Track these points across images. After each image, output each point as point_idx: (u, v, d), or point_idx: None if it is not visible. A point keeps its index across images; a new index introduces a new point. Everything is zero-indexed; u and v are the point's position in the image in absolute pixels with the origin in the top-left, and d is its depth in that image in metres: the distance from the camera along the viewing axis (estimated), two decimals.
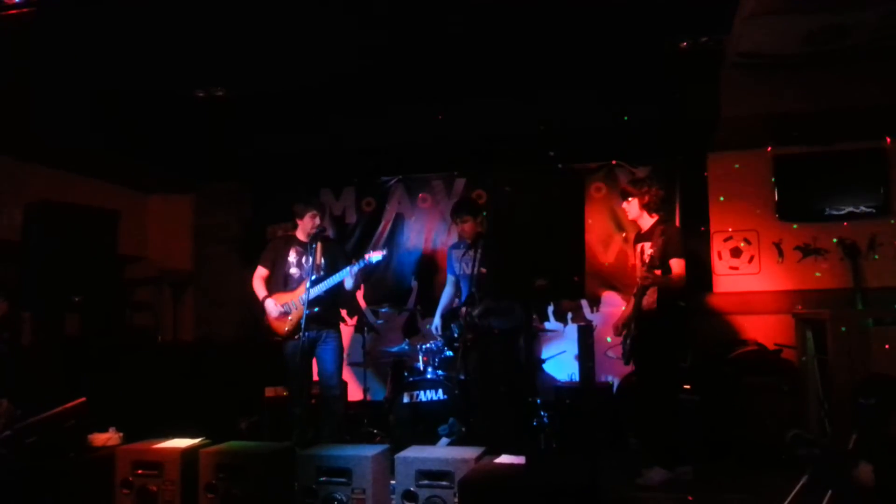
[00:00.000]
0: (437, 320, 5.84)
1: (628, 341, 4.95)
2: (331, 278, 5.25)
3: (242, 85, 5.44)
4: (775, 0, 3.97)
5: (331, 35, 4.60)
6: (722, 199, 6.72)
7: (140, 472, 4.13)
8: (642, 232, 5.07)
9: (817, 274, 6.44)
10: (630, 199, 5.02)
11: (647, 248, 4.85)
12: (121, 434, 4.58)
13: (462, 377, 5.61)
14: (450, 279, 5.91)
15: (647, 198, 4.98)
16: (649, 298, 4.84)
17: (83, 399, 4.44)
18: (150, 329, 7.66)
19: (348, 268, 5.23)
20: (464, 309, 5.48)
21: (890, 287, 6.09)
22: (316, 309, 5.18)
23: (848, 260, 6.29)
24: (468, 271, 5.56)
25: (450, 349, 5.85)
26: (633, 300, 5.01)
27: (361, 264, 5.24)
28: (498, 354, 5.44)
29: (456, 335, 5.66)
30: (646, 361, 4.91)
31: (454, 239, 7.35)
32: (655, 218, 5.03)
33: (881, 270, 6.26)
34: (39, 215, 6.28)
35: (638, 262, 5.04)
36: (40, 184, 6.53)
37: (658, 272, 4.72)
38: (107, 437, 4.52)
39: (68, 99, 5.62)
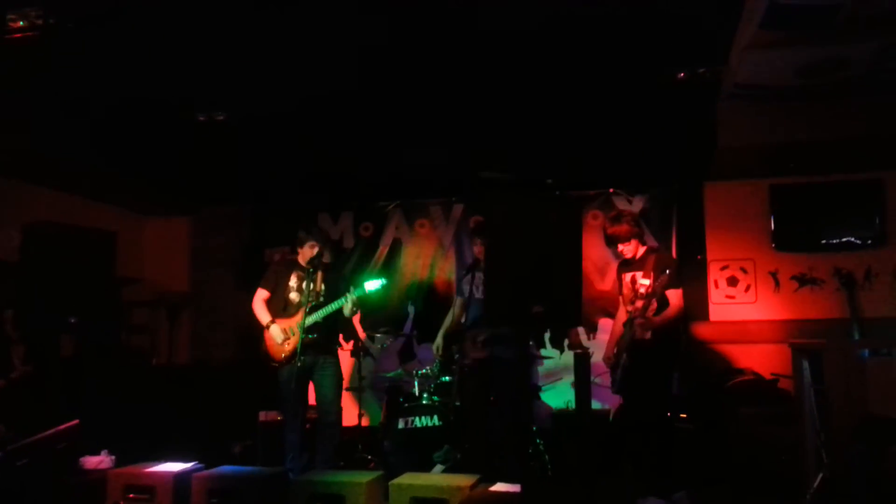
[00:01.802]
0: (438, 339, 5.81)
1: (619, 371, 4.94)
2: (329, 306, 5.25)
3: (243, 109, 5.47)
4: (771, 33, 4.01)
5: (333, 60, 4.64)
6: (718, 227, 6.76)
7: (132, 495, 4.10)
8: (631, 260, 5.06)
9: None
10: (629, 242, 4.98)
11: (640, 278, 4.84)
12: (113, 457, 4.55)
13: (458, 403, 5.58)
14: (457, 300, 5.88)
15: (637, 229, 5.00)
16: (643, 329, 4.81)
17: (76, 421, 4.42)
18: (145, 351, 7.64)
19: (346, 296, 5.23)
20: (468, 333, 5.43)
21: (886, 317, 6.10)
22: (314, 335, 5.17)
23: (844, 290, 6.29)
24: (467, 294, 5.55)
25: (445, 373, 5.81)
26: (619, 328, 5.01)
27: (359, 293, 5.25)
28: (500, 383, 5.37)
29: (455, 358, 5.62)
30: (641, 391, 4.89)
31: (452, 264, 7.37)
32: (646, 247, 5.05)
33: (877, 301, 6.28)
34: (38, 236, 6.28)
35: (627, 292, 5.03)
36: (39, 205, 6.56)
37: (653, 308, 4.72)
38: (99, 460, 4.49)
39: (68, 120, 5.65)
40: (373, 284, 5.33)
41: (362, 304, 5.41)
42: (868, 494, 3.46)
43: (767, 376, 6.00)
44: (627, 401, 5.16)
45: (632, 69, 4.80)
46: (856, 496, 3.48)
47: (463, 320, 5.58)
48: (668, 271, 4.68)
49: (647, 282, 4.77)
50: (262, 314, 5.39)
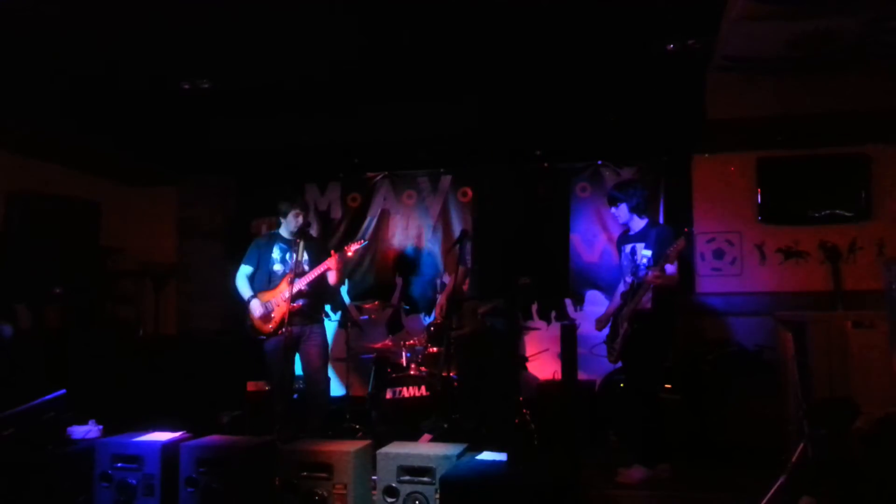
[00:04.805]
0: (442, 300, 5.88)
1: (618, 340, 4.97)
2: (313, 271, 5.24)
3: (229, 78, 5.41)
4: (762, 4, 3.99)
5: (318, 30, 4.59)
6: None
7: (120, 465, 4.11)
8: (631, 233, 5.08)
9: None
10: (619, 204, 5.03)
11: (642, 250, 4.87)
12: (100, 427, 4.55)
13: (446, 374, 5.62)
14: (459, 268, 5.94)
15: (635, 200, 5.00)
16: (644, 298, 4.84)
17: (63, 391, 4.40)
18: (131, 322, 7.62)
19: (330, 259, 5.23)
20: (467, 304, 5.49)
21: (869, 290, 6.15)
22: (300, 302, 5.18)
23: (829, 263, 6.35)
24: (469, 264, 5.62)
25: (436, 343, 5.82)
26: (618, 300, 5.04)
27: (341, 256, 5.27)
28: (497, 354, 5.45)
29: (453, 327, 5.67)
30: (637, 360, 4.92)
31: (439, 235, 7.38)
32: (646, 220, 5.06)
33: (860, 274, 6.32)
34: (21, 206, 6.22)
35: (627, 263, 5.04)
36: (23, 175, 6.48)
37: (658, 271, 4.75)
38: (86, 430, 4.48)
39: (53, 89, 5.57)
40: (354, 245, 5.36)
41: (349, 273, 5.42)
42: (831, 479, 3.51)
43: (752, 348, 6.07)
44: (627, 369, 5.18)
45: (621, 40, 4.78)
46: (817, 482, 3.53)
47: (464, 287, 5.62)
48: (661, 240, 4.72)
49: (649, 252, 4.80)
50: (245, 290, 5.40)
